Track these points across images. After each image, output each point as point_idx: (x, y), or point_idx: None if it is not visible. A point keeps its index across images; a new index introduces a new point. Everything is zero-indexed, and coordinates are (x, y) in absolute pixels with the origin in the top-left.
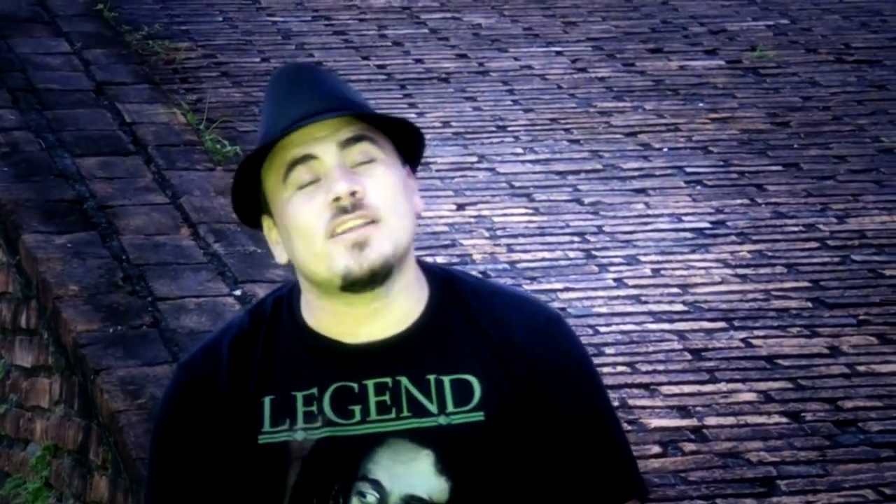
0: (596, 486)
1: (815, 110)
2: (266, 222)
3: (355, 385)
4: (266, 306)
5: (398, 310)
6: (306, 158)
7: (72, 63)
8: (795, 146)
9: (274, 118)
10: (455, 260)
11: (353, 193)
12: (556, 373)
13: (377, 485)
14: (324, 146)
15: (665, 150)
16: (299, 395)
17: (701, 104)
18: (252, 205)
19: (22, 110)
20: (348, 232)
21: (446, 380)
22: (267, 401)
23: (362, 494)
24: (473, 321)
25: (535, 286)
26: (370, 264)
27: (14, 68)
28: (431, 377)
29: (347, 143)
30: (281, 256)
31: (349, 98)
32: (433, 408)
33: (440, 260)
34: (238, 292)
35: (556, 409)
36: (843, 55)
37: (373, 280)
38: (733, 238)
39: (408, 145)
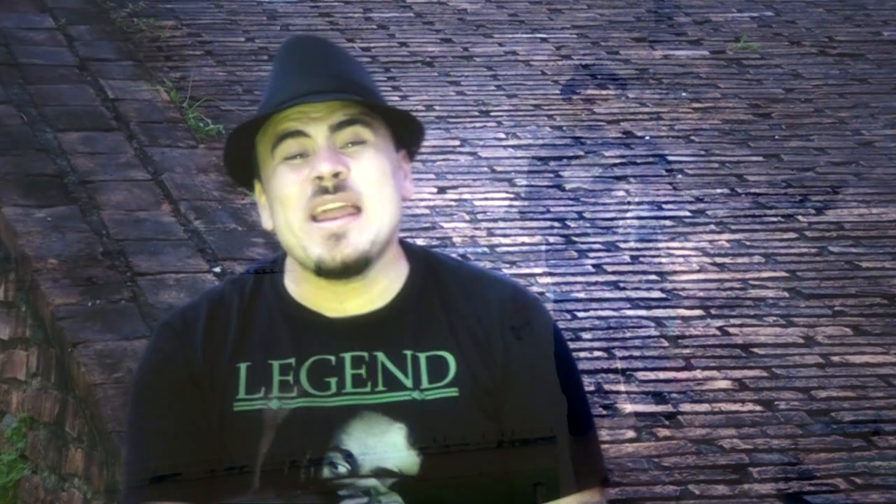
0: (559, 472)
1: (797, 102)
2: (257, 186)
3: (332, 357)
4: (248, 275)
5: (379, 286)
6: (297, 134)
7: (56, 38)
8: (776, 137)
9: (275, 89)
10: (435, 242)
11: (336, 174)
12: (531, 354)
13: (349, 455)
14: (316, 126)
15: (647, 138)
16: (275, 364)
17: (684, 94)
18: (247, 166)
19: (4, 84)
20: (328, 221)
21: (422, 356)
22: (243, 367)
23: (333, 465)
24: (451, 300)
25: (515, 270)
26: (343, 258)
27: None
28: (408, 353)
29: (340, 127)
30: (266, 222)
31: (351, 80)
32: (408, 382)
33: (420, 242)
34: (217, 269)
35: (528, 391)
36: (826, 48)
37: (345, 271)
38: (712, 227)
39: (405, 130)
